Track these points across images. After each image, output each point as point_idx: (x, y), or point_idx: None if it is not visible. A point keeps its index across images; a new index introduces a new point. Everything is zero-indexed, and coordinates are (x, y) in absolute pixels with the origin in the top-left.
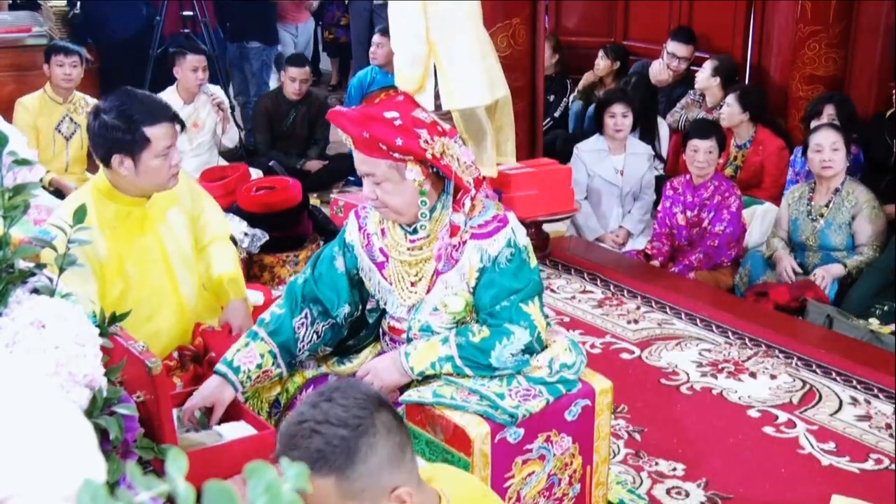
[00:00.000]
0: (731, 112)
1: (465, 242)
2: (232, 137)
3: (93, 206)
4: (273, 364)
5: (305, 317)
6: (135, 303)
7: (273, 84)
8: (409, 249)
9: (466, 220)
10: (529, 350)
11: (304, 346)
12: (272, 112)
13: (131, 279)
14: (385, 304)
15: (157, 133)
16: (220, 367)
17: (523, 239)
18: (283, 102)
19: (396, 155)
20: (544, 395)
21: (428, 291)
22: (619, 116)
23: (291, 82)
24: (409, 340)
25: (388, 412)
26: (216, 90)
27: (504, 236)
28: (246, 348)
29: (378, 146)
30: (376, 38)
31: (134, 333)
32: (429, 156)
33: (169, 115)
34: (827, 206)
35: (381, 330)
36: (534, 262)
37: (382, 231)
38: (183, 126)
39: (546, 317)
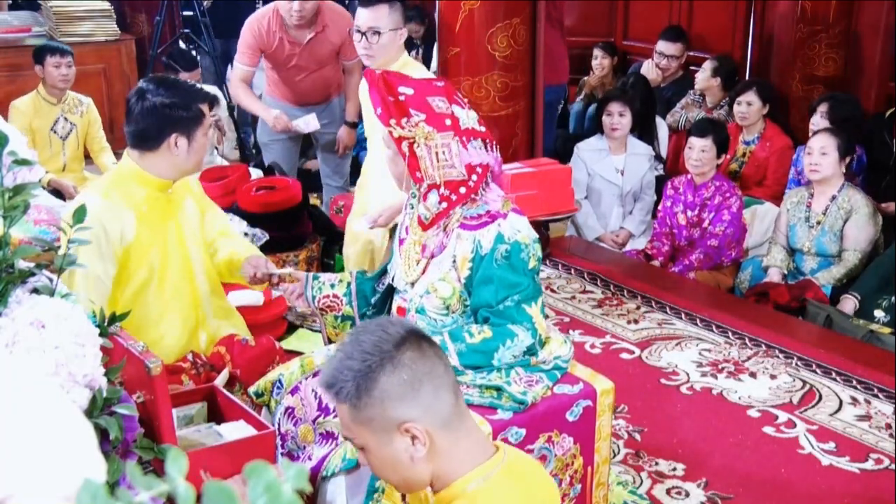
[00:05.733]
0: (757, 108)
1: (453, 230)
2: (230, 147)
3: (121, 191)
4: (345, 293)
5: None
6: (155, 295)
7: None
8: (420, 228)
9: (455, 213)
10: (531, 352)
11: (377, 298)
12: None
13: (154, 267)
14: (393, 278)
15: (205, 109)
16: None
17: (522, 237)
18: None
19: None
20: (544, 381)
21: (424, 272)
22: (616, 115)
23: None
24: None
25: (411, 350)
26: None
27: (493, 230)
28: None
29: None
30: None
31: (149, 327)
32: (395, 135)
33: (206, 93)
34: (824, 213)
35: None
36: (533, 262)
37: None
38: (211, 104)
39: (546, 316)
